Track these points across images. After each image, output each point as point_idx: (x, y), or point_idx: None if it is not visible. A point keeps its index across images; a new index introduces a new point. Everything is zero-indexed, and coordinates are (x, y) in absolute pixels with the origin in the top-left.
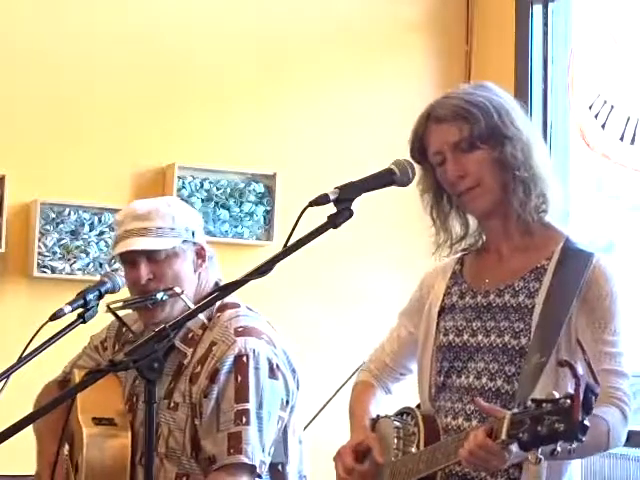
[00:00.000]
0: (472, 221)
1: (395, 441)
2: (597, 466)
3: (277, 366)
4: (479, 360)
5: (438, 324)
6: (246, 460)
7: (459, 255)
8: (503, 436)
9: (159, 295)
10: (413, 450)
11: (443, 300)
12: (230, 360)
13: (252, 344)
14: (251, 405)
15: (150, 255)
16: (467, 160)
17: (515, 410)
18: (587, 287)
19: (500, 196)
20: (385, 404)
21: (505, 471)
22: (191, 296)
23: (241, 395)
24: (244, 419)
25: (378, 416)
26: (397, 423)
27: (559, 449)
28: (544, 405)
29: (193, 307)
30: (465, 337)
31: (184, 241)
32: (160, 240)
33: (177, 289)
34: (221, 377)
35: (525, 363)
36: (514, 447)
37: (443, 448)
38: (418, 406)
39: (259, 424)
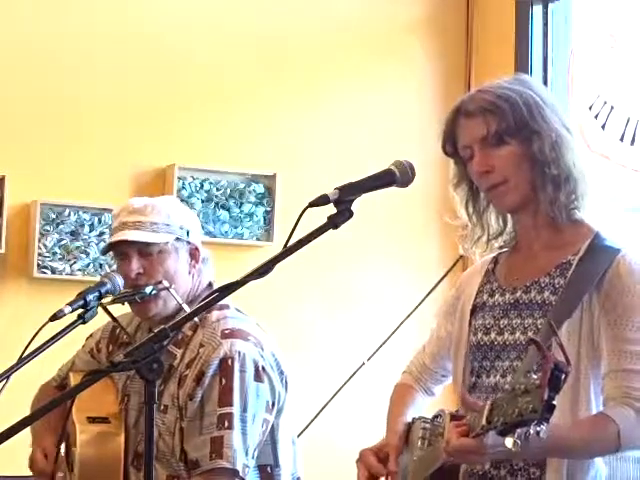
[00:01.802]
0: (510, 217)
1: (419, 443)
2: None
3: (263, 368)
4: (505, 359)
5: (470, 323)
6: (227, 465)
7: (495, 253)
8: (483, 421)
9: (147, 289)
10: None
11: (475, 299)
12: (216, 363)
13: (238, 346)
14: (235, 408)
15: (142, 249)
16: (494, 155)
17: (496, 397)
18: (609, 282)
19: (528, 193)
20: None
21: (525, 470)
22: (183, 295)
23: (225, 398)
24: (227, 423)
25: (414, 419)
26: (426, 425)
27: (531, 431)
28: (517, 387)
29: (181, 302)
30: (492, 336)
31: (178, 239)
32: (153, 235)
33: (165, 283)
34: (206, 380)
35: (524, 356)
36: (489, 438)
37: (438, 448)
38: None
39: (243, 427)
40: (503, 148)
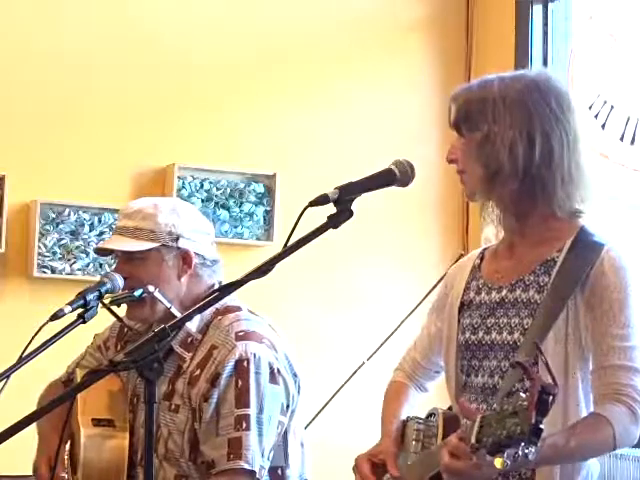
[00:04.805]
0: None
1: (413, 444)
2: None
3: (278, 371)
4: (493, 358)
5: (459, 321)
6: (246, 466)
7: (481, 249)
8: (472, 440)
9: (137, 292)
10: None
11: (463, 296)
12: (231, 364)
13: (253, 348)
14: (252, 410)
15: (127, 255)
16: (458, 144)
17: (485, 413)
18: (595, 279)
19: (480, 187)
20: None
21: (517, 471)
22: (173, 300)
23: (241, 400)
24: (244, 424)
25: (408, 418)
26: (419, 425)
27: (520, 453)
28: (505, 407)
29: (169, 305)
30: (480, 335)
31: (164, 245)
32: (134, 242)
33: (150, 287)
34: (222, 381)
35: (507, 374)
36: (479, 457)
37: (435, 454)
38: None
39: (259, 429)
40: (460, 140)
